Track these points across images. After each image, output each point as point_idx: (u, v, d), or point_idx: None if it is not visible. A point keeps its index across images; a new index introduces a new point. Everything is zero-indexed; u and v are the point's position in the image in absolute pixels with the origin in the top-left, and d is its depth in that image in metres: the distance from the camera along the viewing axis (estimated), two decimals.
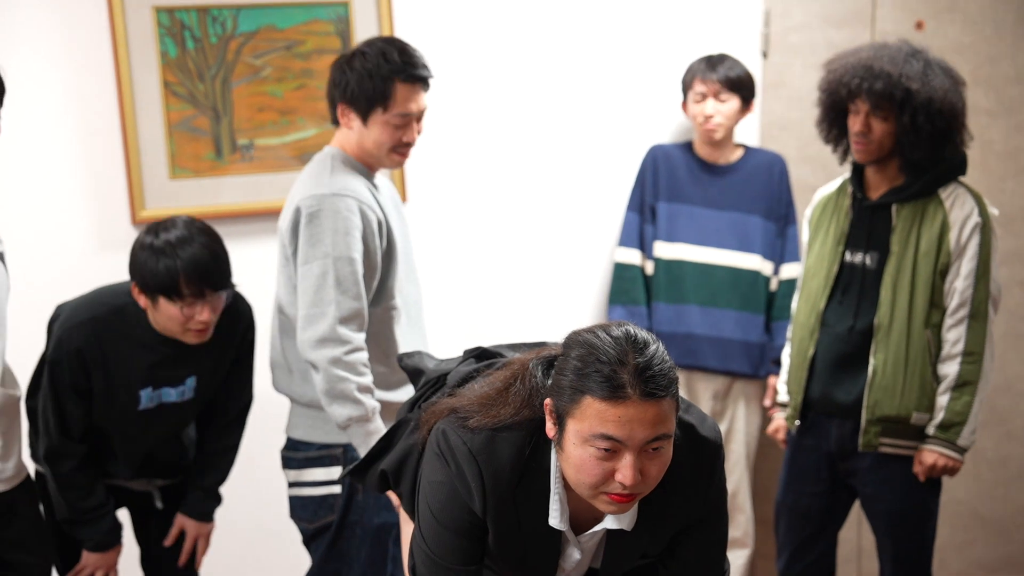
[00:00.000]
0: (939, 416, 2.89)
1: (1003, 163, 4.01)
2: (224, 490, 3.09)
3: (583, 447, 1.75)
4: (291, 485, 2.79)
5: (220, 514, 3.12)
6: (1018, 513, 4.15)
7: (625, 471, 1.74)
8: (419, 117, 2.67)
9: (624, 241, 3.65)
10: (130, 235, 3.36)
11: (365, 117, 2.64)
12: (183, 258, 2.56)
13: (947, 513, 4.06)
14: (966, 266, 2.87)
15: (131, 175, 3.36)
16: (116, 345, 2.67)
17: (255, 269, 3.44)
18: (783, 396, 3.16)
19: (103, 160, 3.36)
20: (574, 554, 1.94)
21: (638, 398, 1.72)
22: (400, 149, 2.68)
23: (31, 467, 2.80)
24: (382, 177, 2.83)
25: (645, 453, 1.75)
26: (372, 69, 2.60)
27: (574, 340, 1.81)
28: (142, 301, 2.63)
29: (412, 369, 2.37)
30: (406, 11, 3.53)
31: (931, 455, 2.89)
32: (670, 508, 1.88)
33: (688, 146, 3.64)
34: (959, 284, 2.87)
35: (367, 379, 2.57)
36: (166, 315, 2.61)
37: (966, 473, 4.08)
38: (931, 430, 2.90)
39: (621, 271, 3.63)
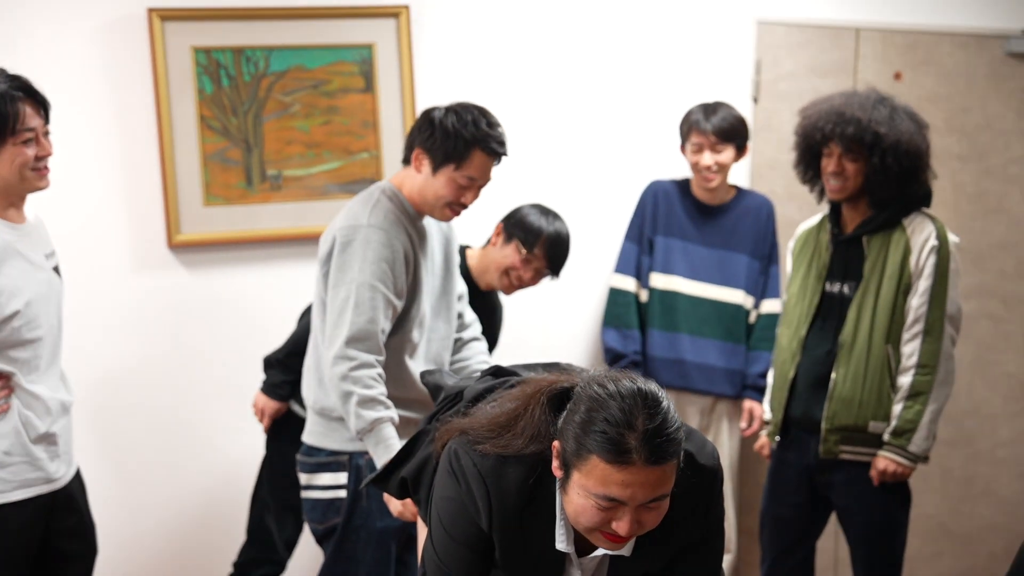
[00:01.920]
0: (892, 423, 2.96)
1: (973, 204, 4.07)
2: None
3: (585, 498, 1.73)
4: (303, 488, 2.84)
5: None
6: (983, 528, 4.19)
7: (623, 525, 1.72)
8: (482, 185, 2.72)
9: (620, 268, 3.69)
10: (166, 258, 3.44)
11: (436, 168, 2.66)
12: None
13: (917, 527, 4.10)
14: (922, 285, 2.93)
15: (168, 202, 3.41)
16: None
17: (281, 290, 3.50)
18: (768, 415, 3.20)
19: (143, 187, 3.43)
20: (575, 574, 1.94)
21: (642, 464, 1.68)
22: (454, 207, 2.71)
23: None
24: (432, 222, 2.83)
25: (644, 507, 1.73)
26: (460, 129, 2.63)
27: (584, 393, 1.76)
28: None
29: (433, 385, 2.41)
30: (425, 55, 3.60)
31: (883, 461, 2.96)
32: (670, 532, 1.86)
33: (685, 184, 3.67)
34: (915, 302, 2.94)
35: (373, 392, 2.58)
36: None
37: (935, 489, 4.13)
38: (886, 437, 2.97)
39: (616, 296, 3.67)
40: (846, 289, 3.02)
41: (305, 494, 2.81)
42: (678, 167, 3.71)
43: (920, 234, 2.95)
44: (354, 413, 2.57)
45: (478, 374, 2.27)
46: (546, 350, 3.71)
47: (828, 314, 3.05)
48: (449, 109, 2.67)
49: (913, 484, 4.13)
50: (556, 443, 1.79)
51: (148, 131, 3.39)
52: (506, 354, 3.27)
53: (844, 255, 3.04)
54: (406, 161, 2.74)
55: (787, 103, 3.84)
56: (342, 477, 2.73)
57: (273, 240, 3.52)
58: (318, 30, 3.48)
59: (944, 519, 4.16)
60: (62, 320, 2.63)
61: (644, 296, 3.67)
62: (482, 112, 2.67)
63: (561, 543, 1.85)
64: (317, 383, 2.76)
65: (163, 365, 3.48)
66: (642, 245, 3.65)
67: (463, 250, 3.23)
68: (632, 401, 1.70)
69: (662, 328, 3.62)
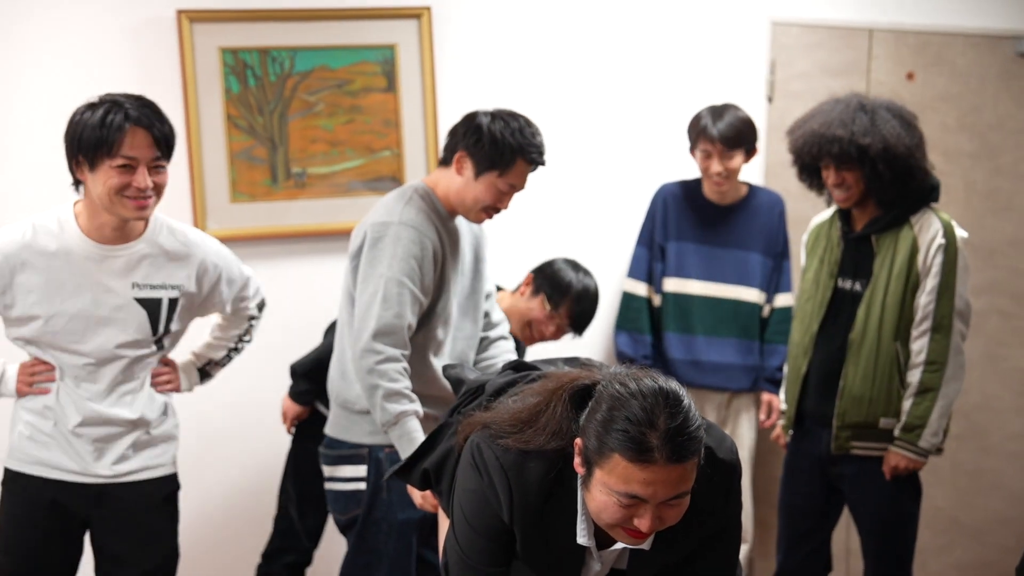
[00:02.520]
0: (902, 420, 2.98)
1: (984, 201, 4.08)
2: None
3: (608, 495, 1.74)
4: (326, 480, 2.85)
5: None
6: (993, 520, 4.20)
7: (644, 521, 1.73)
8: (518, 191, 2.77)
9: (633, 273, 3.69)
10: None
11: (479, 173, 2.70)
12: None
13: (928, 519, 4.12)
14: (930, 282, 2.94)
15: (195, 198, 3.46)
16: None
17: (305, 284, 3.53)
18: (783, 406, 3.26)
19: (171, 185, 3.38)
20: (595, 566, 1.96)
21: (664, 462, 1.68)
22: (490, 211, 2.76)
23: None
24: (463, 223, 2.86)
25: (666, 504, 1.74)
26: (508, 137, 2.66)
27: (606, 391, 1.77)
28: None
29: (454, 379, 2.43)
30: (446, 55, 3.63)
31: (894, 456, 2.99)
32: (689, 526, 1.87)
33: (694, 185, 3.68)
34: (923, 299, 2.95)
35: (398, 385, 2.60)
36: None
37: (946, 483, 4.14)
38: (896, 432, 2.99)
39: (628, 300, 3.68)
40: (857, 286, 3.04)
41: (328, 486, 2.84)
42: (694, 168, 3.73)
43: (927, 232, 2.95)
44: (379, 406, 2.59)
45: (498, 369, 2.29)
46: (560, 352, 3.72)
47: (840, 310, 3.06)
48: (495, 115, 2.70)
49: (924, 477, 4.15)
50: (578, 440, 1.79)
51: (177, 129, 3.38)
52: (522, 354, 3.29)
53: (854, 252, 3.06)
54: (445, 162, 2.76)
55: (801, 102, 3.84)
56: (362, 470, 2.76)
57: (297, 236, 3.55)
58: (342, 31, 3.52)
59: (955, 512, 4.17)
60: (136, 348, 2.59)
61: (657, 300, 3.67)
62: (527, 121, 2.71)
63: (583, 537, 1.87)
64: (340, 376, 2.79)
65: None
66: (653, 250, 3.65)
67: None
68: (654, 400, 1.71)
69: (677, 331, 3.62)
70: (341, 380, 2.79)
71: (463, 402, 2.23)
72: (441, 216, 2.75)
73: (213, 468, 3.58)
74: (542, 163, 2.74)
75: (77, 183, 2.51)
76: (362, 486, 2.76)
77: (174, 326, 2.65)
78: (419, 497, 2.61)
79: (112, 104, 2.43)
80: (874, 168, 2.90)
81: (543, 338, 3.23)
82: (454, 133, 2.74)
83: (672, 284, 3.64)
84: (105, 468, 2.61)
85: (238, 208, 3.50)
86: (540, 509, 1.86)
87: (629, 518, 1.74)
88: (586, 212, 3.83)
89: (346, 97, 3.54)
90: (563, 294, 3.16)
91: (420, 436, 2.57)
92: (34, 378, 2.57)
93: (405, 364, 2.64)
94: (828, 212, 3.22)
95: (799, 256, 3.36)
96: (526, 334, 3.21)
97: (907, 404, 2.97)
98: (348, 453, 2.77)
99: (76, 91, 2.69)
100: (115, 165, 2.41)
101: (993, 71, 4.01)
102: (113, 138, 2.40)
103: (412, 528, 2.78)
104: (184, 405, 3.50)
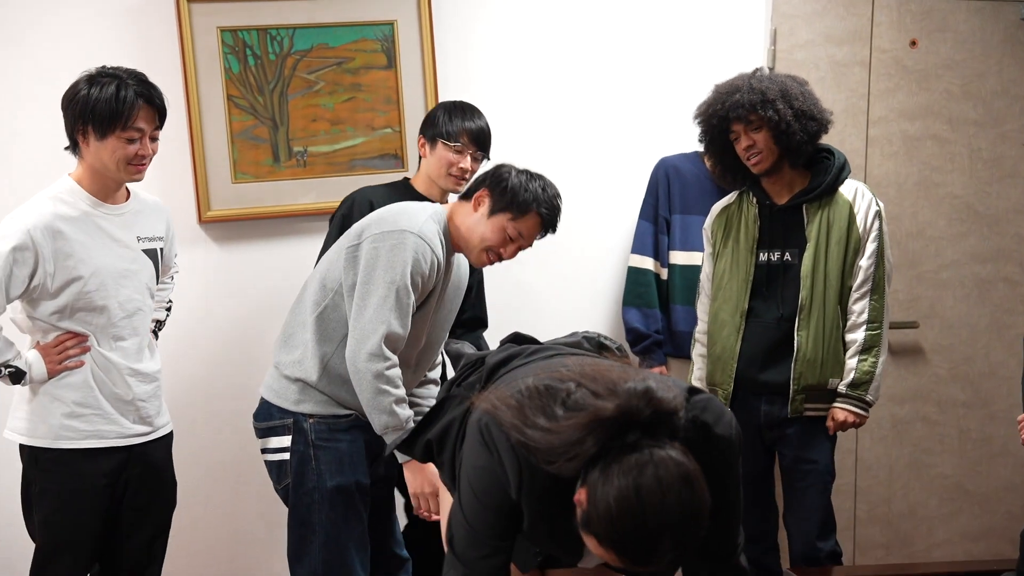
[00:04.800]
0: (849, 377, 3.07)
1: (989, 169, 4.02)
2: None
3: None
4: (261, 451, 2.88)
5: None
6: (1000, 487, 4.18)
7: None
8: (523, 247, 2.80)
9: (638, 248, 3.65)
10: (197, 233, 3.46)
11: (493, 212, 2.72)
12: (477, 121, 3.18)
13: (935, 486, 4.10)
14: (870, 247, 3.08)
15: (198, 179, 3.44)
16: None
17: (308, 263, 3.51)
18: (699, 384, 3.28)
19: (173, 166, 3.44)
20: None
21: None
22: (491, 254, 2.77)
23: None
24: (461, 264, 2.94)
25: None
26: (527, 189, 2.72)
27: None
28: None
29: (454, 353, 2.43)
30: (445, 31, 3.59)
31: (842, 412, 3.08)
32: None
33: (695, 157, 3.62)
34: (863, 263, 3.08)
35: (403, 391, 2.64)
36: (441, 159, 3.14)
37: (953, 450, 4.13)
38: (842, 389, 3.08)
39: (636, 275, 3.64)
40: (787, 256, 3.10)
41: (263, 456, 2.85)
42: (693, 140, 3.67)
43: (862, 199, 3.08)
44: (388, 410, 2.60)
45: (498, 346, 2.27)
46: (565, 331, 3.70)
47: (770, 282, 3.11)
48: (521, 171, 2.78)
49: (931, 445, 4.13)
50: None
51: (177, 111, 3.40)
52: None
53: (780, 224, 3.11)
54: (464, 197, 2.80)
55: (803, 72, 3.78)
56: (287, 440, 2.78)
57: (300, 215, 3.54)
58: (340, 8, 3.49)
59: (961, 479, 4.15)
60: (150, 298, 2.83)
61: (664, 274, 3.64)
62: (550, 183, 2.77)
63: None
64: (284, 341, 2.80)
65: (194, 337, 3.52)
66: (658, 224, 3.61)
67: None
68: None
69: (685, 302, 3.58)
70: (284, 345, 2.80)
71: (463, 375, 2.23)
72: (447, 245, 2.76)
73: (215, 447, 3.58)
74: (552, 226, 2.76)
75: (75, 148, 2.68)
76: (287, 456, 2.77)
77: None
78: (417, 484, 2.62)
79: (119, 80, 2.64)
80: (776, 112, 2.96)
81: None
82: (481, 177, 2.80)
83: (679, 257, 3.61)
84: (146, 427, 2.80)
85: (240, 188, 3.49)
86: (549, 488, 1.84)
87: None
88: (586, 187, 3.79)
89: (346, 75, 3.51)
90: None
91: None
92: (63, 354, 2.68)
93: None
94: (731, 196, 3.25)
95: (706, 241, 3.32)
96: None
97: (852, 362, 3.06)
98: (276, 424, 2.79)
99: (76, 73, 2.68)
100: (125, 137, 2.63)
101: (997, 37, 3.94)
102: (128, 112, 2.62)
103: (347, 494, 2.76)
104: (188, 381, 3.52)
